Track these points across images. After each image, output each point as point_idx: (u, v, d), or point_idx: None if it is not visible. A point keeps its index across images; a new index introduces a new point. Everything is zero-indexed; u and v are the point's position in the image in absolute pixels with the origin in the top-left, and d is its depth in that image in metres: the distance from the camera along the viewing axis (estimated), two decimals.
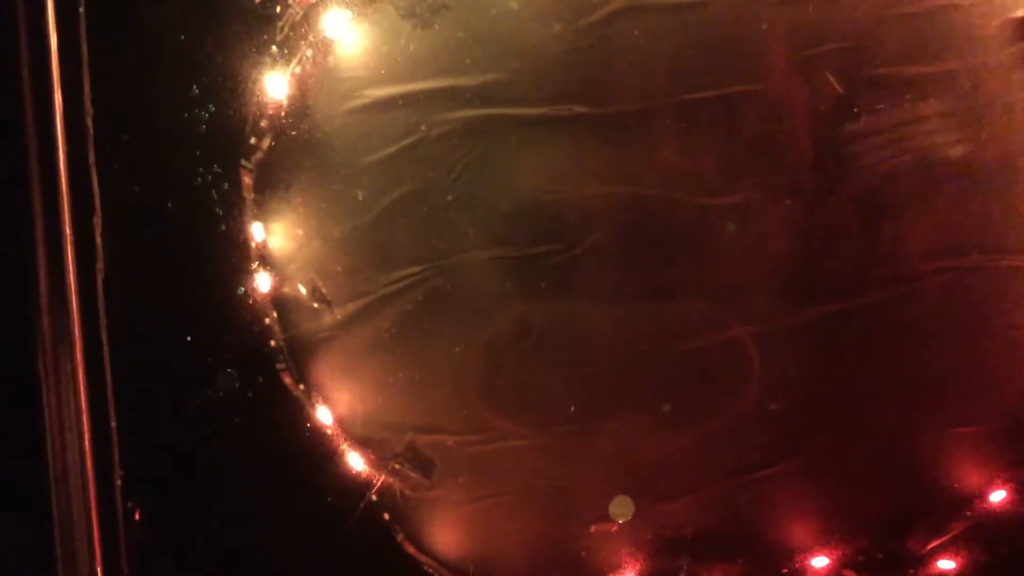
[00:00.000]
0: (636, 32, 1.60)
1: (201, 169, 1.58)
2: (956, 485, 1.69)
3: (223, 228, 1.61)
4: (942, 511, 1.69)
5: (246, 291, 1.63)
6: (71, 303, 1.43)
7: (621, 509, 1.68)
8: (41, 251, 1.40)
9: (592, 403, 1.70)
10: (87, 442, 1.45)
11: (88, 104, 1.44)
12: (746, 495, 1.69)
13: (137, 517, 1.58)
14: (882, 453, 1.70)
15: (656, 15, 1.60)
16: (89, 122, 1.45)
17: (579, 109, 1.62)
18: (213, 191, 1.59)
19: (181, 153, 1.57)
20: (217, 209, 1.59)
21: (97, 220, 1.47)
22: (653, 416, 1.69)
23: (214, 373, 1.61)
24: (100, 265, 1.47)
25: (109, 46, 1.50)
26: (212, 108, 1.56)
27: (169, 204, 1.59)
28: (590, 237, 1.65)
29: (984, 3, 1.56)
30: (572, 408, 1.68)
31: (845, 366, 1.68)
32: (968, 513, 1.69)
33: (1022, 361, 1.66)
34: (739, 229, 1.64)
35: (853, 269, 1.65)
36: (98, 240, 1.47)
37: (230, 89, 1.56)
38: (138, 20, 1.54)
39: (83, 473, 1.49)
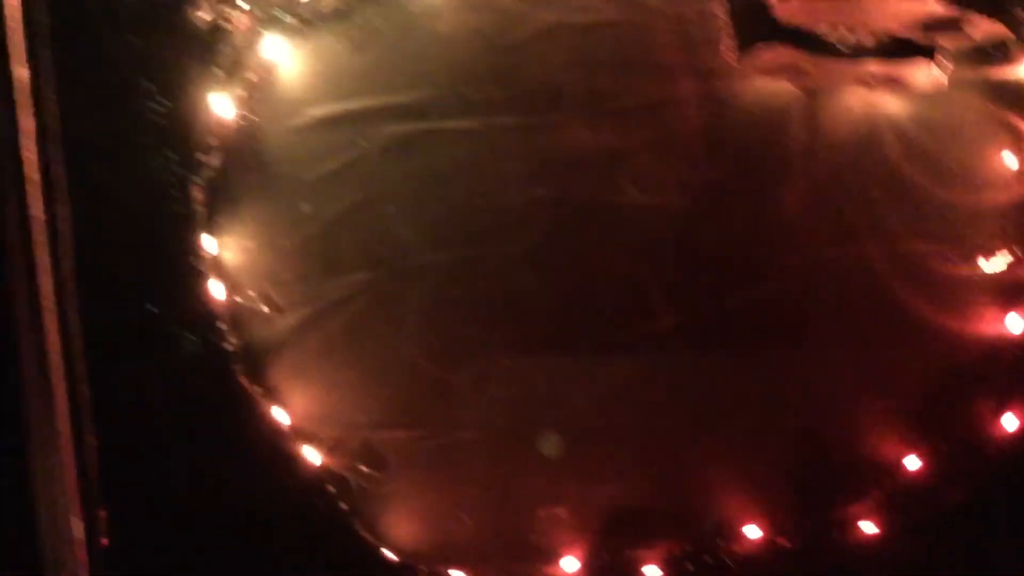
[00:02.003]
0: (556, 49, 1.74)
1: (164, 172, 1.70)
2: (875, 455, 1.82)
3: (178, 241, 1.71)
4: (863, 479, 1.81)
5: (201, 300, 1.72)
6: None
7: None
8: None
9: (533, 399, 1.80)
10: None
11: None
12: (680, 475, 1.80)
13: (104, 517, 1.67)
14: (807, 431, 1.82)
15: (573, 34, 1.74)
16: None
17: (506, 120, 1.75)
18: (172, 205, 1.69)
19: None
20: (171, 223, 1.70)
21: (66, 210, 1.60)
22: (587, 411, 1.80)
23: (172, 376, 1.70)
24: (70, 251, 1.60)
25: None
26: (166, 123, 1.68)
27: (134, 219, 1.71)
28: (523, 238, 1.76)
29: None
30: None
31: (769, 352, 1.80)
32: (886, 480, 1.81)
33: (930, 341, 1.79)
34: (660, 228, 1.77)
35: (773, 257, 1.78)
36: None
37: (179, 112, 1.67)
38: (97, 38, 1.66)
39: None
